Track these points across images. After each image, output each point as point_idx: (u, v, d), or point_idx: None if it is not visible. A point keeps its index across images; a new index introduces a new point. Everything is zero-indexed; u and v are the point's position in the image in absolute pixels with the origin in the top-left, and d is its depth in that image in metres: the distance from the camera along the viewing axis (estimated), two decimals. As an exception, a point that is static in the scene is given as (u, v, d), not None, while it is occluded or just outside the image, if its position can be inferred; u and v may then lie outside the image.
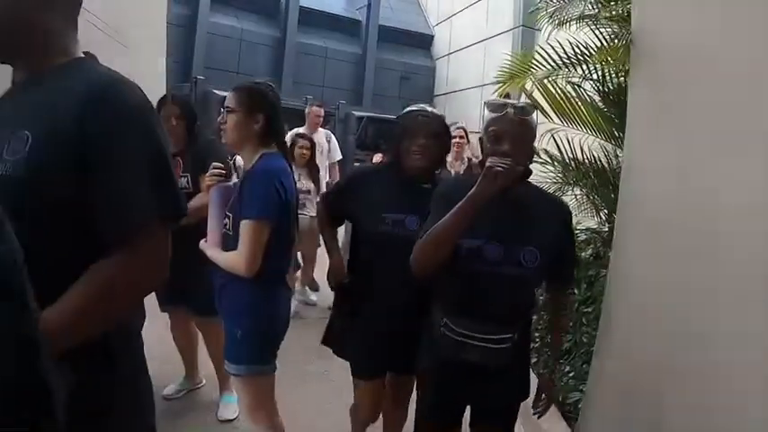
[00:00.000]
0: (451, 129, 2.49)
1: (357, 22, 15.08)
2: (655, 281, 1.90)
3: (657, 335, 1.88)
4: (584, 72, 3.51)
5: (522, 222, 1.69)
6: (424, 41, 14.91)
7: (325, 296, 4.18)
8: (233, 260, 1.89)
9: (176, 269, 2.90)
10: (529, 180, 1.76)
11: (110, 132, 0.97)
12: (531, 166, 1.73)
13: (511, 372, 1.79)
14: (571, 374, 3.22)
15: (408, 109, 2.15)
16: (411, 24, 15.06)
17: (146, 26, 4.94)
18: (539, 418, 1.95)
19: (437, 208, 1.70)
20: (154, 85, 5.09)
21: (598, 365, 2.28)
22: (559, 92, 3.72)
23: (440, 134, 2.06)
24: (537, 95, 3.83)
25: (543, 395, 1.90)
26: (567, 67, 3.46)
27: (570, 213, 1.85)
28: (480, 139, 1.72)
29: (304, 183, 4.56)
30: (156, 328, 3.20)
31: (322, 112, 5.42)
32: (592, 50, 3.22)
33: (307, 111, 5.44)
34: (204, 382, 3.24)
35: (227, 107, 1.97)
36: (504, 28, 12.04)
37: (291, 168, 2.11)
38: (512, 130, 1.62)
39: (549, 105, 3.82)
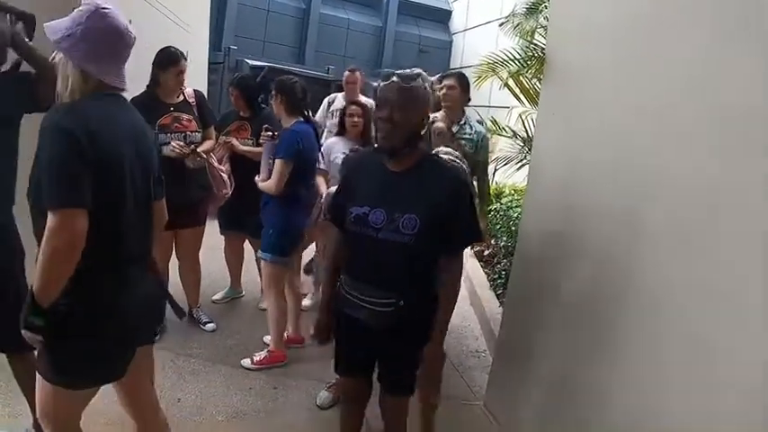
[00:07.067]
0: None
1: (379, -4, 15.60)
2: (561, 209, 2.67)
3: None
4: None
5: (407, 190, 1.80)
6: (442, 16, 15.45)
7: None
8: (269, 184, 3.09)
9: (235, 204, 4.09)
10: (424, 149, 1.91)
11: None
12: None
13: (400, 333, 1.85)
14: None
15: None
16: (430, 0, 15.53)
17: (196, 7, 6.03)
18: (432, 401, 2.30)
19: (340, 189, 2.07)
20: (202, 55, 6.45)
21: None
22: (528, 83, 4.69)
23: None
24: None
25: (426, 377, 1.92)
26: (533, 64, 4.39)
27: (463, 185, 1.89)
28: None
29: None
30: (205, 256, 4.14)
31: (357, 75, 4.76)
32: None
33: (344, 80, 4.83)
34: (244, 293, 4.32)
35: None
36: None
37: (320, 136, 3.39)
38: (393, 98, 1.74)
39: (522, 93, 4.80)
